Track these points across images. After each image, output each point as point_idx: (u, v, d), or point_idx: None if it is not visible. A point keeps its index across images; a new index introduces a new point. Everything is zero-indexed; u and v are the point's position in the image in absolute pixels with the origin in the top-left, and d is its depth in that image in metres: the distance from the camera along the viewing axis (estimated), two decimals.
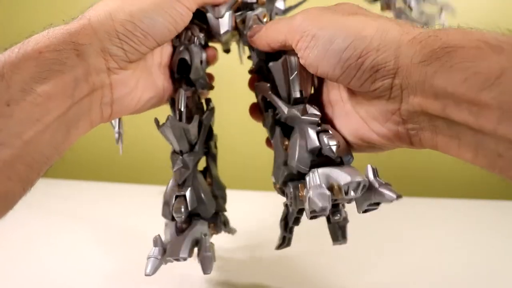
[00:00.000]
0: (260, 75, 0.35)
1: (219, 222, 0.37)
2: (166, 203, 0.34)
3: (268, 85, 0.33)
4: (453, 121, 0.21)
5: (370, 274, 0.42)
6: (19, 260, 0.46)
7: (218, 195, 0.37)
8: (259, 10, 0.35)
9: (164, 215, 0.35)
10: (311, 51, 0.26)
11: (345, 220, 0.32)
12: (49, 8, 0.84)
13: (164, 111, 0.35)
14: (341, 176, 0.25)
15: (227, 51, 0.39)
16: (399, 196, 0.23)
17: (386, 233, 0.52)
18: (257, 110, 0.35)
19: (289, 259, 0.45)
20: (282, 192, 0.31)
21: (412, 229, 0.55)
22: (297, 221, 0.33)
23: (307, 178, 0.26)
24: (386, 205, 0.26)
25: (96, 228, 0.56)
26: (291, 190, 0.28)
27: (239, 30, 0.35)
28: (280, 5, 0.37)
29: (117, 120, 0.39)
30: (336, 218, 0.29)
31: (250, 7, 0.35)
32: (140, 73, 0.30)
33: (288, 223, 0.34)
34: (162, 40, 0.29)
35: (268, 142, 0.35)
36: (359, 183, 0.24)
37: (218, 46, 0.38)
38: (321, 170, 0.26)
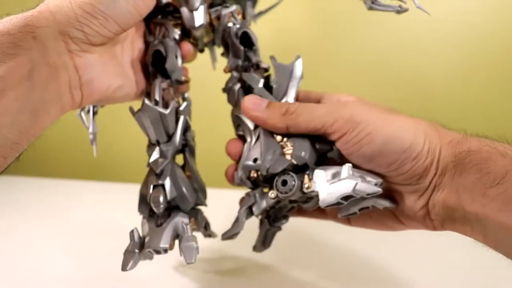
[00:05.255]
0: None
1: (199, 217, 0.35)
2: (142, 197, 0.32)
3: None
4: (465, 211, 0.25)
5: (367, 274, 0.42)
6: (4, 259, 0.46)
7: (198, 189, 0.34)
8: (233, 8, 0.35)
9: (140, 210, 0.33)
10: (365, 146, 0.27)
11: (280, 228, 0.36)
12: None
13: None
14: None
15: (201, 50, 0.38)
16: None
17: (384, 233, 0.51)
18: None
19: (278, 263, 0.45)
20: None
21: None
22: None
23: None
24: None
25: (83, 227, 0.56)
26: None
27: (213, 27, 0.35)
28: (250, 9, 0.37)
29: (91, 121, 0.38)
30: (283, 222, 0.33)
31: (223, 3, 0.35)
32: (108, 59, 0.30)
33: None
34: (125, 24, 0.28)
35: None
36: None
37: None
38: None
